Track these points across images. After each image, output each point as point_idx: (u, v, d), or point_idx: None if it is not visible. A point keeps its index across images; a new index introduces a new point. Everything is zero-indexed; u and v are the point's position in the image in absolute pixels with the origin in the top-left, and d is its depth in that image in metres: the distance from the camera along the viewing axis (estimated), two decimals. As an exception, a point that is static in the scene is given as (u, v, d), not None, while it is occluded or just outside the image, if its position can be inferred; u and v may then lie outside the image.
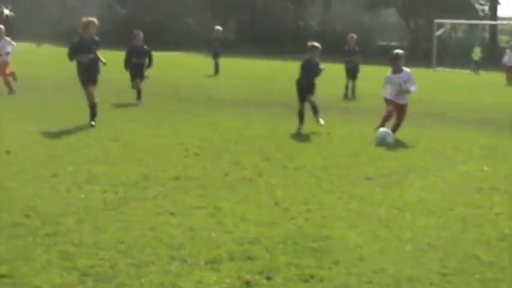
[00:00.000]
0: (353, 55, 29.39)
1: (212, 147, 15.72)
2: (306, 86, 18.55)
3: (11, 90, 24.67)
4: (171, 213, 10.05)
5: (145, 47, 24.10)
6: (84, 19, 18.40)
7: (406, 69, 17.89)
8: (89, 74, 18.04)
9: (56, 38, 69.97)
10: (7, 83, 24.85)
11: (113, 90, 25.98)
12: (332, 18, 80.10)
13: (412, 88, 17.64)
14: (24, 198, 10.49)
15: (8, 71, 25.16)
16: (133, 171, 12.75)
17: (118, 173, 12.56)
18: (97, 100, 18.20)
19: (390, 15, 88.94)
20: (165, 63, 46.11)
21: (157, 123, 18.63)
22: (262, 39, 75.40)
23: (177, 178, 12.38)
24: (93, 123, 17.82)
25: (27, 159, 13.40)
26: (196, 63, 41.00)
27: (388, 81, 17.63)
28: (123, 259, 8.03)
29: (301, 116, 18.35)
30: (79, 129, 17.15)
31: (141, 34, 24.25)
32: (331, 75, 25.60)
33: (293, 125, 18.11)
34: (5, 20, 37.71)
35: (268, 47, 70.57)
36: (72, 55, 18.03)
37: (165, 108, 22.41)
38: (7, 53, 25.38)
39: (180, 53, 61.43)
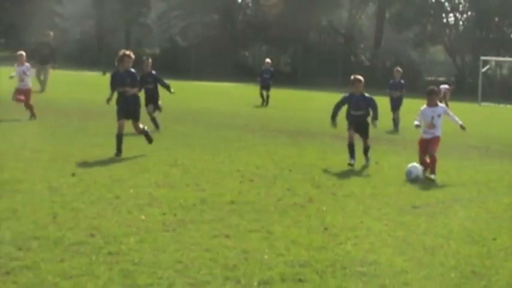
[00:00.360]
0: (399, 88, 29.11)
1: (266, 174, 15.72)
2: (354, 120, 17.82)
3: (33, 115, 23.60)
4: (226, 236, 10.07)
5: (153, 72, 23.69)
6: (120, 52, 17.84)
7: (441, 105, 17.56)
8: (120, 107, 17.49)
9: (120, 68, 70.57)
10: (31, 108, 23.74)
11: (173, 117, 26.13)
12: (382, 54, 79.88)
13: (456, 118, 17.33)
14: (89, 218, 10.59)
15: (31, 99, 23.95)
16: (192, 195, 12.80)
17: (177, 196, 12.61)
18: (122, 132, 17.16)
19: (438, 52, 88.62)
20: (221, 93, 46.38)
21: (215, 150, 18.68)
22: (314, 71, 75.39)
23: (232, 202, 12.40)
24: (117, 153, 16.87)
25: (92, 182, 13.51)
26: (252, 93, 41.08)
27: (421, 113, 17.27)
28: (180, 278, 8.06)
29: (350, 147, 17.72)
30: (141, 154, 17.24)
31: (150, 60, 24.01)
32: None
33: (343, 155, 18.02)
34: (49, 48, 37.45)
35: (320, 79, 70.53)
36: (111, 87, 17.82)
37: (222, 136, 22.47)
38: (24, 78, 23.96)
39: (236, 84, 61.61)
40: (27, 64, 24.09)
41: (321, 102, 40.61)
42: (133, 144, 18.16)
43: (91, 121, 24.27)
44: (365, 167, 17.34)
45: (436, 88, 18.16)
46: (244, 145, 20.81)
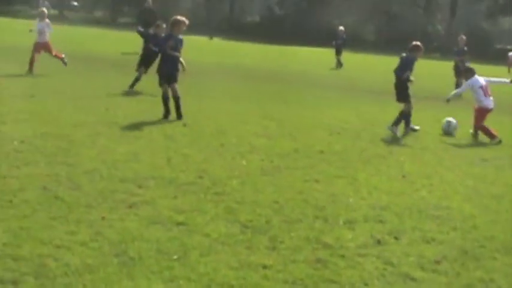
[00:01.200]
0: (462, 55, 28.24)
1: (352, 127, 15.64)
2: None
3: (63, 63, 22.69)
4: (316, 181, 10.08)
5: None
6: (177, 17, 15.56)
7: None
8: (166, 70, 15.38)
9: (225, 32, 70.81)
10: (57, 56, 22.85)
11: (268, 77, 26.13)
12: (456, 23, 78.12)
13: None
14: (198, 163, 10.72)
15: (54, 51, 22.82)
16: (286, 145, 12.83)
17: (273, 145, 12.67)
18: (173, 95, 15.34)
19: (507, 22, 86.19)
20: (313, 57, 46.08)
21: (306, 106, 18.65)
22: (396, 40, 74.31)
23: (321, 152, 12.39)
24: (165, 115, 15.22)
25: (200, 131, 13.66)
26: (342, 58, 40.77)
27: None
28: (276, 216, 8.12)
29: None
30: (243, 108, 17.32)
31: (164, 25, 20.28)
32: (443, 72, 25.14)
33: (421, 113, 17.73)
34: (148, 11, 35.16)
35: (402, 46, 69.44)
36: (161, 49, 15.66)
37: (313, 94, 22.41)
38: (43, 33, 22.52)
39: (327, 49, 61.14)
40: (47, 20, 22.86)
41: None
42: (238, 100, 18.26)
43: (201, 78, 24.45)
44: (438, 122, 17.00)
45: None
46: (332, 102, 20.73)
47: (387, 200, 9.26)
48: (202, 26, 75.52)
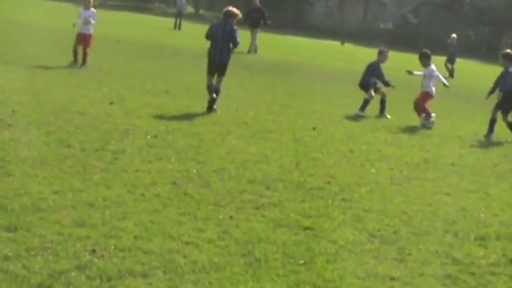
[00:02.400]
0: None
1: (484, 140, 15.18)
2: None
3: (83, 63, 20.11)
4: (447, 194, 9.83)
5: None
6: (230, 8, 15.35)
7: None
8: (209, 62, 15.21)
9: (358, 38, 70.41)
10: (85, 55, 20.24)
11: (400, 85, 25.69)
12: None
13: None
14: (326, 167, 10.66)
15: (90, 43, 20.55)
16: (416, 155, 12.59)
17: (403, 154, 12.45)
18: (215, 86, 14.86)
19: None
20: (442, 66, 45.14)
21: (438, 116, 18.20)
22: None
23: (453, 164, 12.09)
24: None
25: (330, 136, 13.59)
26: (470, 69, 39.79)
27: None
28: (404, 227, 7.96)
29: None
30: (372, 115, 17.09)
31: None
32: None
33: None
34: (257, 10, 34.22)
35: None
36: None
37: (444, 104, 21.89)
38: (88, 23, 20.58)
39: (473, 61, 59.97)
40: (93, 9, 20.95)
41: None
42: (353, 103, 18.05)
43: (331, 83, 24.37)
44: None
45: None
46: (465, 113, 20.22)
47: (521, 218, 8.91)
48: (335, 31, 75.44)
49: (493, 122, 15.73)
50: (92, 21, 20.62)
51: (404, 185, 10.10)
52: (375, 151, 12.47)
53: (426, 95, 16.87)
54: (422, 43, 72.51)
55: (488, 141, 15.21)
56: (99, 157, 9.63)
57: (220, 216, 7.59)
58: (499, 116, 15.79)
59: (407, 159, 12.01)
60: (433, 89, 17.00)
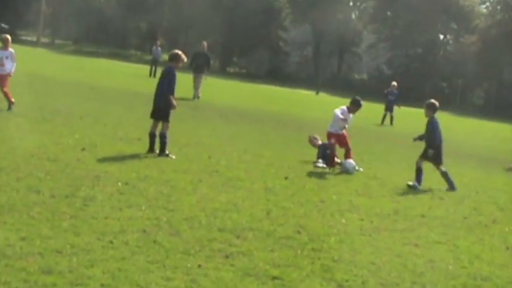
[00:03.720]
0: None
1: (455, 193, 15.30)
2: None
3: (11, 103, 19.60)
4: (416, 245, 9.89)
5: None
6: (176, 51, 15.71)
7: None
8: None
9: (332, 88, 71.07)
10: (6, 95, 19.68)
11: (376, 136, 25.96)
12: None
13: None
14: (297, 217, 10.70)
15: (7, 84, 19.85)
16: (387, 205, 12.68)
17: (374, 205, 12.53)
18: (155, 132, 15.15)
19: None
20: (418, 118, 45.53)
21: (410, 168, 18.35)
22: (506, 105, 73.05)
23: (422, 216, 12.18)
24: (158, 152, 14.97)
25: (301, 186, 13.64)
26: (453, 121, 40.20)
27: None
28: (373, 278, 8.00)
29: None
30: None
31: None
32: None
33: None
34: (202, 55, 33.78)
35: (508, 113, 68.02)
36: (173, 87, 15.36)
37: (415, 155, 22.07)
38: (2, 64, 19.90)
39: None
40: (11, 49, 20.26)
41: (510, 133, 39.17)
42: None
43: (304, 133, 24.48)
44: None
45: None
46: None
47: (488, 271, 8.98)
48: (310, 81, 76.13)
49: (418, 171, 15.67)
50: (9, 62, 19.96)
51: (374, 236, 10.15)
52: (345, 201, 12.54)
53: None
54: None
55: (415, 190, 15.07)
56: (68, 203, 9.62)
57: (189, 265, 7.59)
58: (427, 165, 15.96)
59: (378, 210, 12.09)
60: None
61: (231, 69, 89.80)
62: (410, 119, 40.68)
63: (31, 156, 12.66)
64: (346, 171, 16.17)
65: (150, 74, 47.61)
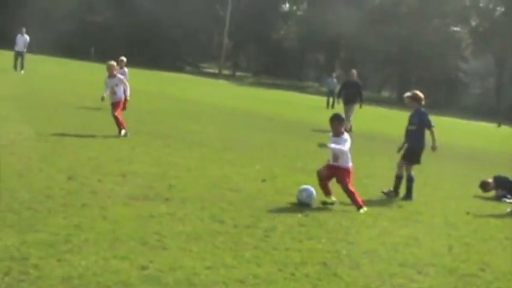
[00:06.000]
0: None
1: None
2: None
3: (122, 129, 19.00)
4: None
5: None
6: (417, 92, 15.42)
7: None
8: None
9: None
10: (116, 120, 19.17)
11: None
12: None
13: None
14: (480, 254, 10.30)
15: (119, 109, 19.46)
16: None
17: None
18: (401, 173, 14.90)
19: None
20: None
21: None
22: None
23: None
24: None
25: (484, 221, 13.15)
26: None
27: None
28: None
29: None
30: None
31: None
32: None
33: None
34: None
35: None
36: None
37: None
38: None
39: None
40: (119, 76, 20.12)
41: None
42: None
43: (486, 168, 23.69)
44: None
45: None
46: None
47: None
48: (491, 112, 73.80)
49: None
50: (120, 89, 19.70)
51: None
52: None
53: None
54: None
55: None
56: (250, 234, 9.77)
57: (371, 300, 7.49)
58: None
59: None
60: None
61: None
62: None
63: (214, 186, 13.00)
64: None
65: (328, 106, 47.95)
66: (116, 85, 19.75)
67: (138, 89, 38.52)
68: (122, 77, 20.35)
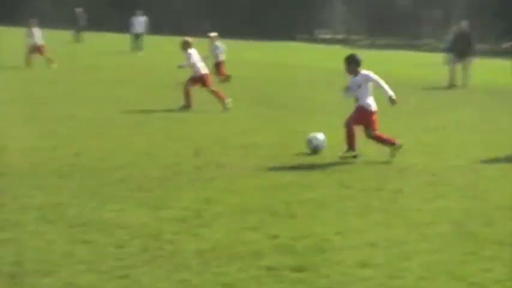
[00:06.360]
0: None
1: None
2: None
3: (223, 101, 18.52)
4: None
5: None
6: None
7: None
8: None
9: None
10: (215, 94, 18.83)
11: None
12: None
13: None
14: None
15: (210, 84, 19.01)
16: None
17: None
18: None
19: None
20: None
21: None
22: None
23: None
24: None
25: None
26: None
27: None
28: None
29: None
30: None
31: None
32: None
33: None
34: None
35: None
36: None
37: None
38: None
39: None
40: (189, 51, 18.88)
41: None
42: None
43: None
44: None
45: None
46: None
47: None
48: None
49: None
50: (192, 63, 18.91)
51: None
52: None
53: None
54: None
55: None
56: (378, 197, 9.72)
57: (506, 256, 7.32)
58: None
59: None
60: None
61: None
62: None
63: (338, 152, 12.79)
64: None
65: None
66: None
67: (252, 60, 38.83)
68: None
